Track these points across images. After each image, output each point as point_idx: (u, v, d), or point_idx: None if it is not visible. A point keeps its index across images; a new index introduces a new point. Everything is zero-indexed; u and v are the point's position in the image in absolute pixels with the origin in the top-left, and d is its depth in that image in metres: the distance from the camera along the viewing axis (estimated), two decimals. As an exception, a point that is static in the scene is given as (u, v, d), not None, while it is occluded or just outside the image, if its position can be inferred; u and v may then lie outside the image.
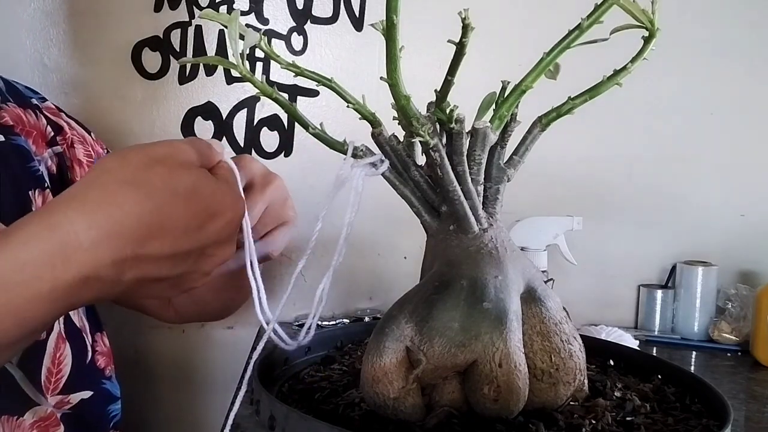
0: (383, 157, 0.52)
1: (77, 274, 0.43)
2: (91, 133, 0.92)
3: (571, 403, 0.52)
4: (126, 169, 0.45)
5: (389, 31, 0.47)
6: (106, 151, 0.92)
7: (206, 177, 0.47)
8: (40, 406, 0.74)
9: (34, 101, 0.86)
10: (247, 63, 0.50)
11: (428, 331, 0.49)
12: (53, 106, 0.88)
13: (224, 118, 1.26)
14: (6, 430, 0.70)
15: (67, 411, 0.76)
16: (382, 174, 0.53)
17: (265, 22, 1.25)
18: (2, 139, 0.76)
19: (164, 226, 0.45)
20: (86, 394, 0.79)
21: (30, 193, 0.78)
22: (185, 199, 0.46)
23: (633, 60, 0.52)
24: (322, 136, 0.54)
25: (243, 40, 0.51)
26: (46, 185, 0.81)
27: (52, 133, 0.84)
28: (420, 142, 0.50)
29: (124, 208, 0.44)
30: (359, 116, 0.53)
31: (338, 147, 0.53)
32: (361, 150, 0.53)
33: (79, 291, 0.44)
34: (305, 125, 0.54)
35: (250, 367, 0.53)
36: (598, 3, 0.50)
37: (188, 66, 1.23)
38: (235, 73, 0.50)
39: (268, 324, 0.52)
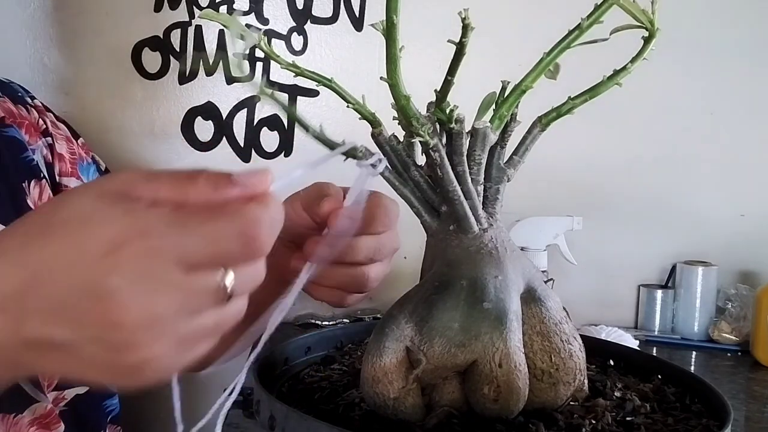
0: (381, 156, 0.52)
1: None
2: (79, 139, 0.92)
3: (571, 403, 0.52)
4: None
5: (389, 31, 0.47)
6: (91, 158, 0.92)
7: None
8: (40, 403, 0.74)
9: (26, 98, 0.87)
10: (247, 64, 0.50)
11: (428, 331, 0.49)
12: (41, 104, 0.89)
13: (224, 118, 1.26)
14: (3, 428, 0.70)
15: (64, 408, 0.76)
16: (382, 174, 0.53)
17: (265, 22, 1.25)
18: None
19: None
20: (81, 389, 0.79)
21: (23, 184, 0.78)
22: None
23: (633, 60, 0.52)
24: (321, 138, 0.54)
25: (243, 40, 0.51)
26: (42, 175, 0.81)
27: (44, 126, 0.85)
28: (420, 142, 0.50)
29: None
30: (359, 116, 0.53)
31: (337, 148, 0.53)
32: (361, 151, 0.52)
33: None
34: (305, 127, 0.54)
35: (247, 366, 0.53)
36: (598, 3, 0.50)
37: (188, 66, 1.23)
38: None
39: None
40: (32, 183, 0.80)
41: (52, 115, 0.90)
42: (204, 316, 0.36)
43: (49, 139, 0.85)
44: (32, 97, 0.89)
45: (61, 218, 0.36)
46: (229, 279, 0.36)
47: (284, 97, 1.25)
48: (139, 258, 0.34)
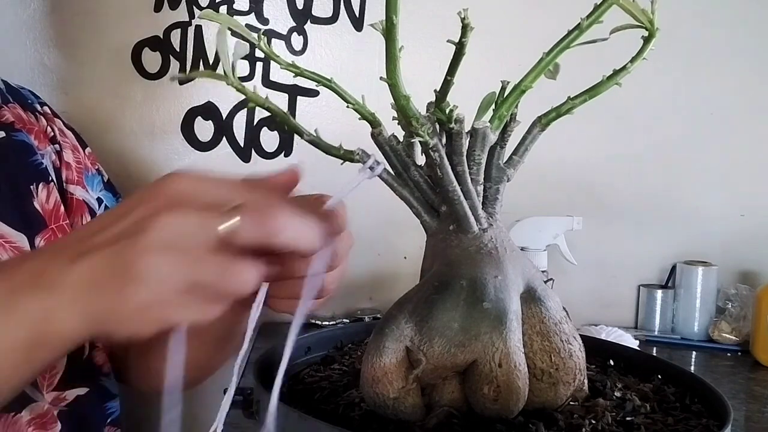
0: (378, 159, 0.52)
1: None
2: (87, 149, 0.92)
3: (571, 403, 0.52)
4: None
5: (389, 31, 0.47)
6: (96, 169, 0.92)
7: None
8: (37, 402, 0.73)
9: (35, 105, 0.87)
10: (247, 64, 0.50)
11: (428, 331, 0.49)
12: (49, 111, 0.89)
13: (224, 118, 1.26)
14: (2, 428, 0.70)
15: (63, 408, 0.76)
16: (380, 176, 0.52)
17: (265, 22, 1.25)
18: (2, 135, 0.78)
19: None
20: (82, 390, 0.78)
21: (31, 187, 0.79)
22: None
23: (633, 60, 0.52)
24: (317, 142, 0.53)
25: (239, 40, 0.51)
26: (50, 178, 0.81)
27: (52, 133, 0.86)
28: (420, 142, 0.50)
29: None
30: (359, 116, 0.53)
31: (334, 152, 0.53)
32: (358, 154, 0.52)
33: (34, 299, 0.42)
34: (300, 132, 0.53)
35: (243, 365, 0.53)
36: (598, 3, 0.50)
37: (188, 66, 1.23)
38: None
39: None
40: (40, 185, 0.80)
41: (60, 122, 0.90)
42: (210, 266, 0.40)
43: (57, 146, 0.86)
44: (42, 104, 0.90)
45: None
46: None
47: (284, 98, 1.25)
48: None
